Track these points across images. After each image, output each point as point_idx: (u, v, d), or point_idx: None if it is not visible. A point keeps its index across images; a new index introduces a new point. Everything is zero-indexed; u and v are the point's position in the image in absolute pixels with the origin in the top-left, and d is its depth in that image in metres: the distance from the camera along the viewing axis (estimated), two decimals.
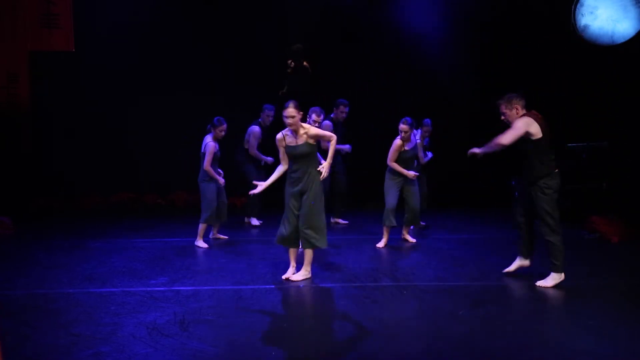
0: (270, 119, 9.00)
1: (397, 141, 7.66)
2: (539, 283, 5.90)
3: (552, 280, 5.87)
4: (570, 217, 9.15)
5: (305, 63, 9.23)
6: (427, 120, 8.90)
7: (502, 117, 5.88)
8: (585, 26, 9.40)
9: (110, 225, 9.19)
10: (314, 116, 7.54)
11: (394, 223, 7.73)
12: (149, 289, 5.89)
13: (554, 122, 10.26)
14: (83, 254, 7.34)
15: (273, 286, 5.99)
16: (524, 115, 5.81)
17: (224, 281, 6.19)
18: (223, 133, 7.79)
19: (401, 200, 7.86)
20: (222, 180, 7.79)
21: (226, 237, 8.22)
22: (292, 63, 9.21)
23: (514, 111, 5.80)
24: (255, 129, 8.99)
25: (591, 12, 9.37)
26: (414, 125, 7.71)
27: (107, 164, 10.90)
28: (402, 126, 7.58)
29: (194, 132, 9.53)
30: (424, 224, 8.98)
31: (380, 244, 7.78)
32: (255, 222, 9.31)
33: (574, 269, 6.67)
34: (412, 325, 4.92)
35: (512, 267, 6.26)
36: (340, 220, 9.39)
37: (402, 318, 5.08)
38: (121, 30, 10.72)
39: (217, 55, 10.95)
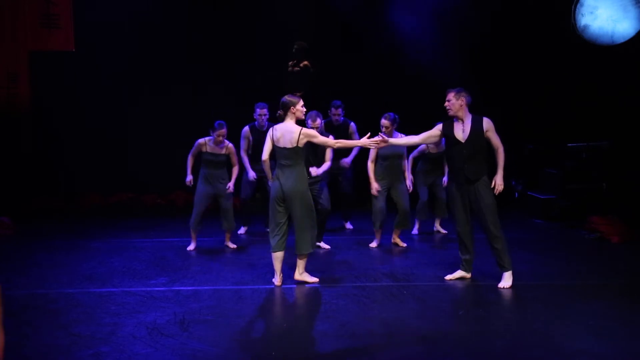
0: (264, 117, 8.17)
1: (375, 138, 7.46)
2: (501, 284, 5.88)
3: (510, 278, 5.89)
4: (570, 217, 9.18)
5: (305, 62, 9.02)
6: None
7: (446, 104, 5.97)
8: (585, 26, 9.39)
9: (110, 225, 9.18)
10: (309, 122, 6.99)
11: (378, 226, 7.57)
12: (149, 289, 5.89)
13: (554, 122, 10.39)
14: (83, 254, 7.34)
15: (273, 286, 5.99)
16: (471, 114, 5.93)
17: (224, 281, 6.19)
18: (221, 138, 7.36)
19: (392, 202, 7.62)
20: (189, 177, 7.47)
21: (234, 246, 7.71)
22: (293, 62, 9.03)
23: (459, 101, 5.91)
24: (244, 128, 8.29)
25: (591, 12, 9.36)
26: (397, 122, 7.40)
27: (107, 164, 10.88)
28: (383, 121, 7.31)
29: (193, 132, 9.52)
30: (445, 231, 8.48)
31: (373, 244, 7.72)
32: (242, 230, 8.60)
33: (574, 269, 6.68)
34: (412, 325, 4.92)
35: (455, 275, 6.21)
36: (348, 225, 8.99)
37: (402, 318, 5.08)
38: (121, 30, 10.71)
39: (217, 56, 10.94)
